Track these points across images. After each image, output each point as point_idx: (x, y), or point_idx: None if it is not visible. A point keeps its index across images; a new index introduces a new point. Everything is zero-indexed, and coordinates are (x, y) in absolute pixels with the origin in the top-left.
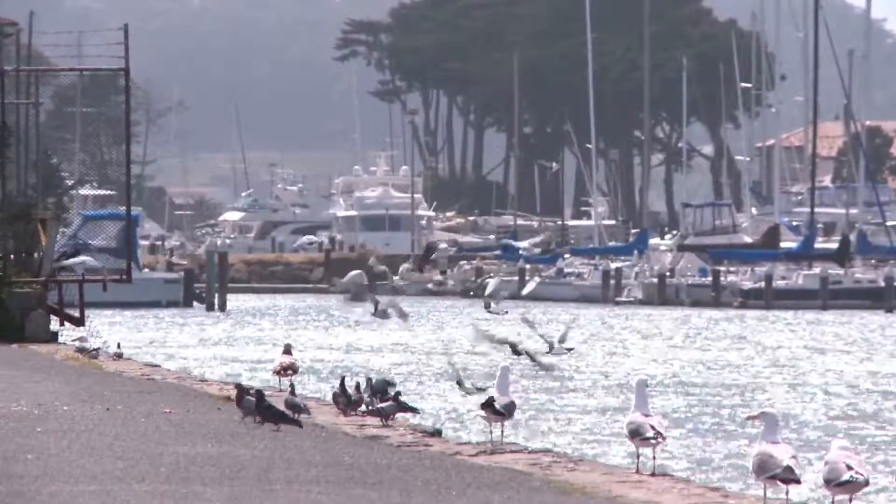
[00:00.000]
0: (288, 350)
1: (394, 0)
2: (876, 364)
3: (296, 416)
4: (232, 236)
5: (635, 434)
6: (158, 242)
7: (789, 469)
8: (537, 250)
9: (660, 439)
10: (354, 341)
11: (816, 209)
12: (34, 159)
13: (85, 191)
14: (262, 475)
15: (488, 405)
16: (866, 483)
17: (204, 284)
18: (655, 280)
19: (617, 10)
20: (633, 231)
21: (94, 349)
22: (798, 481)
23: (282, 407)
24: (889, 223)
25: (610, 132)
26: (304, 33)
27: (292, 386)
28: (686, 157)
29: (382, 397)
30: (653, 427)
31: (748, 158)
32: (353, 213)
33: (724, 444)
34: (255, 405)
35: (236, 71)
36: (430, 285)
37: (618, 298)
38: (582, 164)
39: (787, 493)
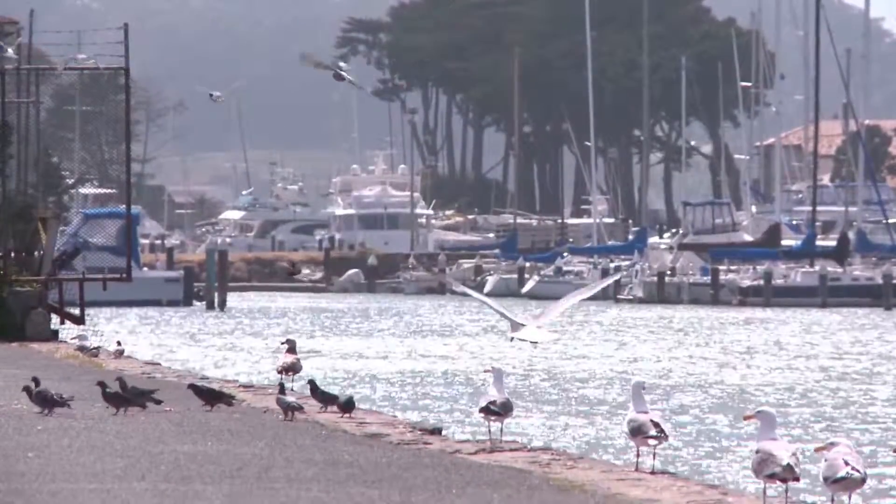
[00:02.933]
0: (291, 347)
1: None
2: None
3: (290, 415)
4: (232, 235)
5: (637, 432)
6: (158, 241)
7: (789, 468)
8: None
9: (663, 437)
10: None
11: (816, 208)
12: (35, 158)
13: (85, 189)
14: (262, 473)
15: (485, 408)
16: (864, 480)
17: (204, 283)
18: (655, 278)
19: (616, 10)
20: (634, 230)
21: (95, 348)
22: (797, 479)
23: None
24: (890, 221)
25: (609, 131)
26: (304, 32)
27: (282, 385)
28: (685, 155)
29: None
30: (656, 424)
31: (747, 157)
32: (351, 211)
33: (723, 441)
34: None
35: (236, 70)
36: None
37: (618, 296)
38: (581, 163)
39: (786, 490)
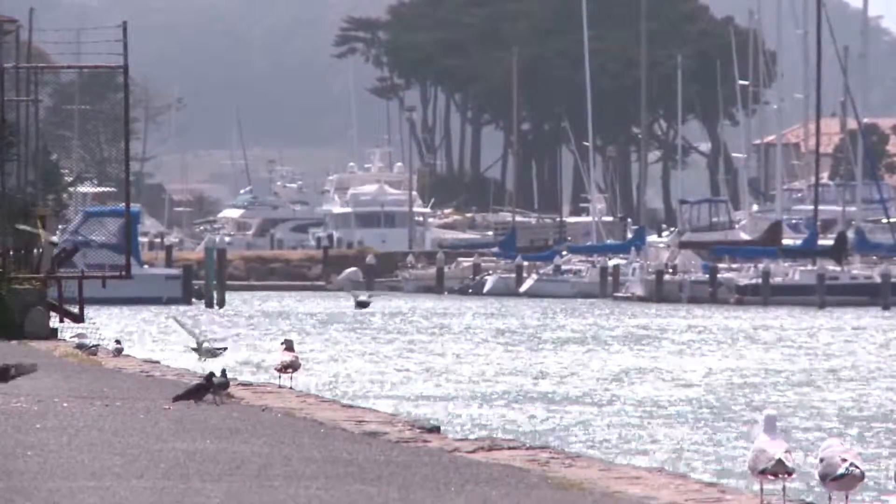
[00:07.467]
0: (289, 346)
1: None
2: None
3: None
4: (231, 233)
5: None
6: (157, 239)
7: (780, 462)
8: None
9: None
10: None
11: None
12: (34, 156)
13: (84, 188)
14: (261, 471)
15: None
16: (862, 477)
17: (202, 281)
18: (653, 276)
19: (614, 8)
20: (633, 228)
21: (94, 345)
22: (789, 473)
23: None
24: (891, 220)
25: (607, 129)
26: (303, 31)
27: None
28: (683, 154)
29: None
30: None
31: (744, 156)
32: (347, 209)
33: (722, 439)
34: None
35: (235, 68)
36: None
37: (616, 294)
38: (580, 162)
39: (783, 488)
